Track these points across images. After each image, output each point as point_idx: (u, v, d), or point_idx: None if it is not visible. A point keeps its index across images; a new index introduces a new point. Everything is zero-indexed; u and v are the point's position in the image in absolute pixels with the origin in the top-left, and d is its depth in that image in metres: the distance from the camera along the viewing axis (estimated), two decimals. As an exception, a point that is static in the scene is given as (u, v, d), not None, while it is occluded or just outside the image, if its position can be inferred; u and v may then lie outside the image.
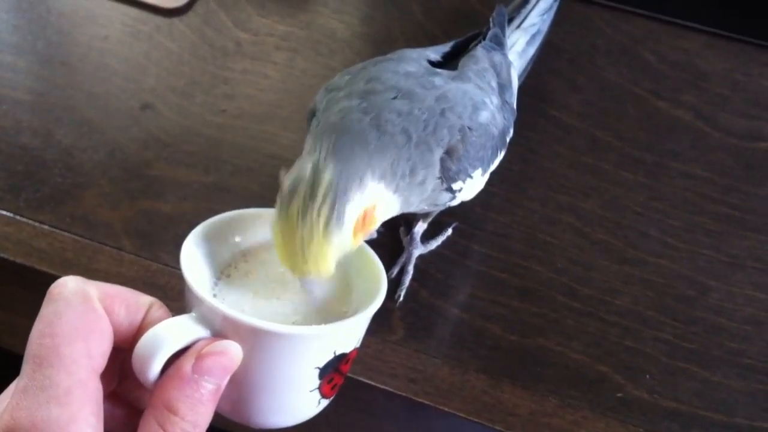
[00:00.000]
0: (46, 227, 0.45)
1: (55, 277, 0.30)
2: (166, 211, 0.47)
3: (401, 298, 0.44)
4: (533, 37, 0.51)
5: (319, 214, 0.33)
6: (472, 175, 0.40)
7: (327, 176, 0.33)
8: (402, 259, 0.45)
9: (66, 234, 0.45)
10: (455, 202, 0.42)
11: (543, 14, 0.52)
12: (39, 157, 0.49)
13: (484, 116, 0.41)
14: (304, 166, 0.34)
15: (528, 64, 0.51)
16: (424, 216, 0.45)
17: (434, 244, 0.46)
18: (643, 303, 0.44)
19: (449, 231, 0.47)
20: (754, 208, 0.49)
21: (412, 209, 0.40)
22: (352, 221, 0.34)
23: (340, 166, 0.34)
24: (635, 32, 0.57)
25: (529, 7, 0.52)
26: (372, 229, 0.36)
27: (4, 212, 0.46)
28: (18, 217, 0.46)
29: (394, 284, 0.44)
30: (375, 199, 0.35)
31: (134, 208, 0.47)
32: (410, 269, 0.45)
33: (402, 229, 0.47)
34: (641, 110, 0.53)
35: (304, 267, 0.33)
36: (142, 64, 0.54)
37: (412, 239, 0.46)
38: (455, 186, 0.40)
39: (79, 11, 0.57)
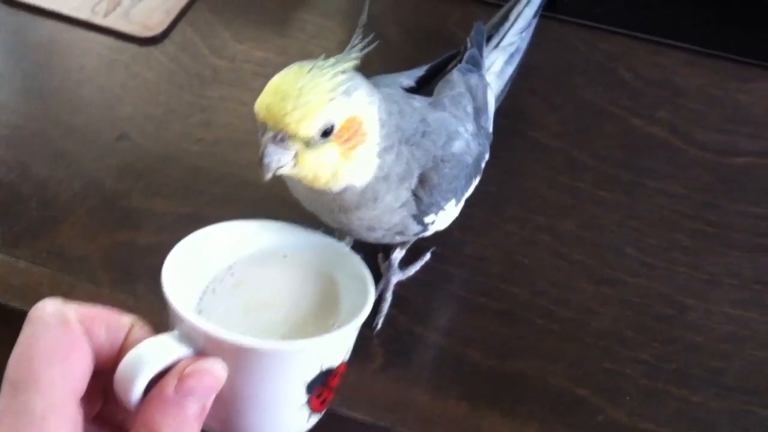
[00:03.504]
0: (22, 263, 0.45)
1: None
2: (142, 243, 0.46)
3: (379, 326, 0.44)
4: (512, 56, 0.51)
5: (334, 77, 0.34)
6: (444, 207, 0.41)
7: (351, 63, 0.35)
8: (380, 286, 0.45)
9: (42, 269, 0.45)
10: (428, 233, 0.42)
11: (521, 32, 0.52)
12: (15, 191, 0.49)
13: (457, 146, 0.41)
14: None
15: (506, 83, 0.51)
16: (402, 243, 0.45)
17: (412, 270, 0.46)
18: (621, 323, 0.44)
19: (427, 256, 0.47)
20: (731, 224, 0.49)
21: (380, 226, 0.39)
22: (353, 110, 0.34)
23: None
24: (612, 50, 0.58)
25: (507, 25, 0.52)
26: (344, 165, 0.35)
27: (-20, 248, 0.46)
28: (-6, 253, 0.46)
29: (372, 311, 0.44)
30: (369, 128, 0.35)
31: (111, 240, 0.47)
32: (389, 296, 0.45)
33: (380, 256, 0.47)
34: (618, 128, 0.53)
35: (289, 110, 0.33)
36: (119, 94, 0.54)
37: (390, 266, 0.46)
38: (427, 219, 0.40)
39: (55, 42, 0.57)
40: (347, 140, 0.35)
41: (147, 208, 0.48)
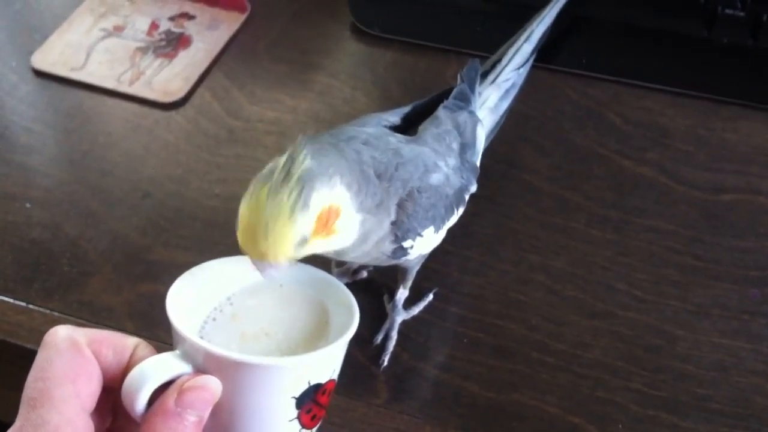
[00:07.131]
0: (55, 314, 0.49)
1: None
2: (164, 293, 0.50)
3: (385, 363, 0.47)
4: (507, 91, 0.54)
5: (289, 196, 0.35)
6: (422, 233, 0.43)
7: (304, 163, 0.36)
8: (386, 326, 0.48)
9: (73, 319, 0.49)
10: (411, 256, 0.44)
11: (519, 68, 0.54)
12: (48, 250, 0.53)
13: (435, 178, 0.43)
14: (281, 156, 0.36)
15: (501, 117, 0.53)
16: (404, 282, 0.48)
17: (416, 310, 0.49)
18: (612, 354, 0.47)
19: (430, 296, 0.50)
20: (717, 258, 0.51)
21: (367, 257, 0.42)
22: (317, 210, 0.36)
23: (317, 159, 0.36)
24: (600, 96, 0.61)
25: (504, 62, 0.54)
26: (330, 240, 0.37)
27: (17, 302, 0.50)
28: (30, 306, 0.50)
29: (378, 350, 0.47)
30: (340, 202, 0.37)
31: (135, 291, 0.50)
32: (394, 335, 0.48)
33: (386, 297, 0.50)
34: (607, 170, 0.56)
35: (264, 247, 0.35)
36: (143, 156, 0.59)
37: (394, 306, 0.48)
38: (405, 244, 0.42)
39: (84, 110, 0.62)
40: (325, 225, 0.37)
41: (168, 261, 0.52)
